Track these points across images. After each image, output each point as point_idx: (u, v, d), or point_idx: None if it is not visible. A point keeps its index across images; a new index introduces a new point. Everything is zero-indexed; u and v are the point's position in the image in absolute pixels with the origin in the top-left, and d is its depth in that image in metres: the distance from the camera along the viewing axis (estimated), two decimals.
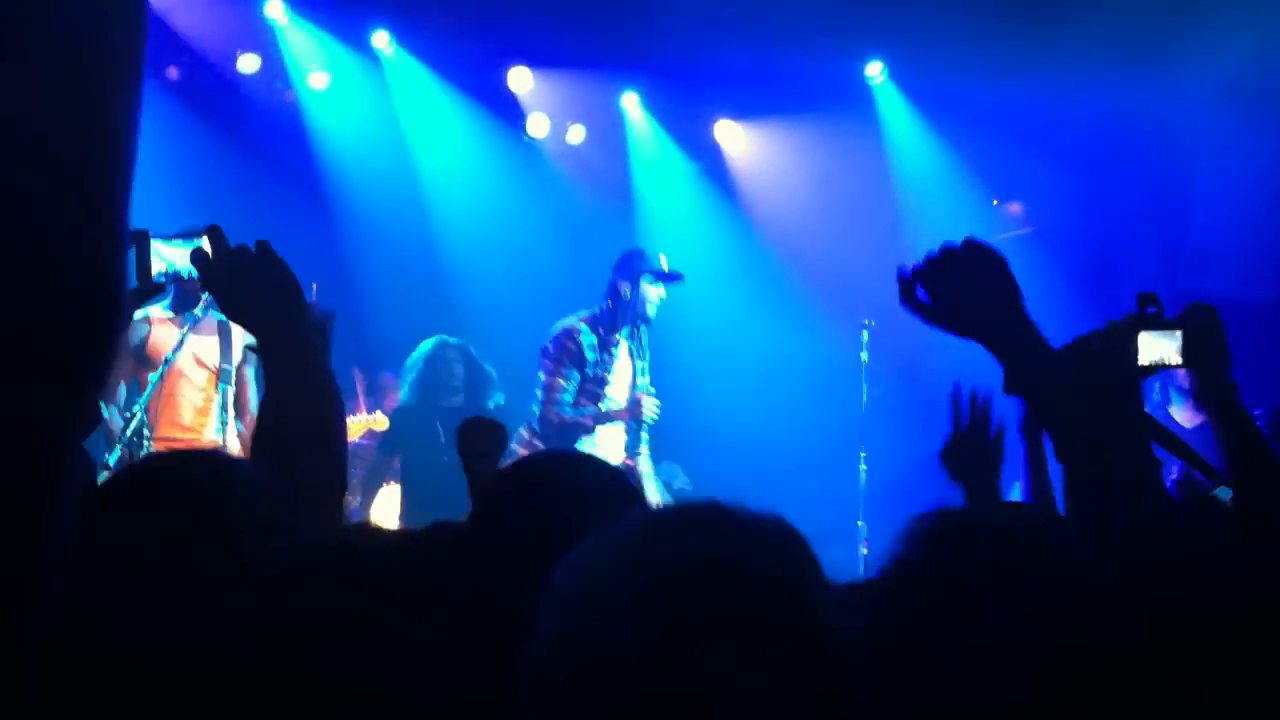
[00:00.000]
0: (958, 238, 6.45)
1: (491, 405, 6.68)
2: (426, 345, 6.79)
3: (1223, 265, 7.11)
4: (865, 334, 7.09)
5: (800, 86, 8.05)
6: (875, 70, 8.38)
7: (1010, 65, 7.33)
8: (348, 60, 8.20)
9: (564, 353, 6.08)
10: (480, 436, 3.14)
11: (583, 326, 6.13)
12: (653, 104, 8.79)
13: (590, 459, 2.46)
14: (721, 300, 8.36)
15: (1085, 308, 6.99)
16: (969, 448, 2.94)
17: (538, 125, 8.58)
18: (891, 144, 8.50)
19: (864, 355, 7.08)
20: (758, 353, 8.25)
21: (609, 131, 8.82)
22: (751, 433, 7.83)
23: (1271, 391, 5.84)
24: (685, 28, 7.89)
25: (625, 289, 6.15)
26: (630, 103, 8.77)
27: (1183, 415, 5.86)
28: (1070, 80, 7.35)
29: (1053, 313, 6.11)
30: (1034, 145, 7.65)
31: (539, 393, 6.13)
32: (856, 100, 8.37)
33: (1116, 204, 7.56)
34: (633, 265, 6.20)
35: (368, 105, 8.31)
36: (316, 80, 8.13)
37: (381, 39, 8.15)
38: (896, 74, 8.37)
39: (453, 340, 6.80)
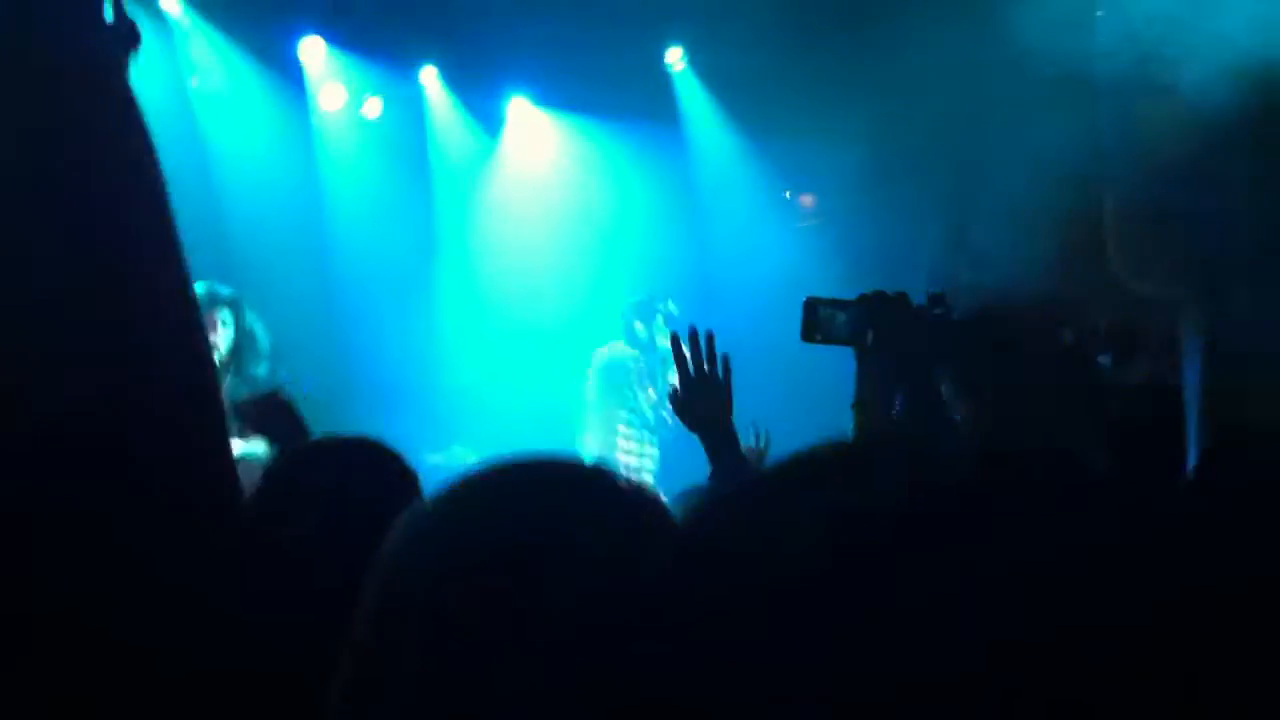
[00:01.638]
0: (752, 227, 6.52)
1: (259, 375, 6.32)
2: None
3: (999, 263, 7.33)
4: (660, 319, 7.14)
5: (600, 68, 8.02)
6: (675, 56, 8.42)
7: (806, 56, 7.46)
8: (141, 18, 7.83)
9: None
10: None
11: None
12: (451, 80, 8.64)
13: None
14: (521, 288, 8.34)
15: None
16: (700, 391, 2.99)
17: (332, 97, 8.35)
18: (689, 131, 8.56)
19: (661, 341, 7.11)
20: (553, 337, 8.21)
21: (407, 106, 8.64)
22: (555, 429, 7.80)
23: None
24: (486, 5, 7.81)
25: (640, 329, 7.21)
26: (429, 77, 8.62)
27: None
28: (865, 69, 7.50)
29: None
30: (826, 136, 7.78)
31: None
32: (656, 85, 8.41)
33: (904, 197, 7.74)
34: (647, 306, 7.19)
35: (155, 69, 7.95)
36: None
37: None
38: (696, 61, 8.43)
39: (224, 291, 6.31)
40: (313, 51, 8.16)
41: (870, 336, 2.89)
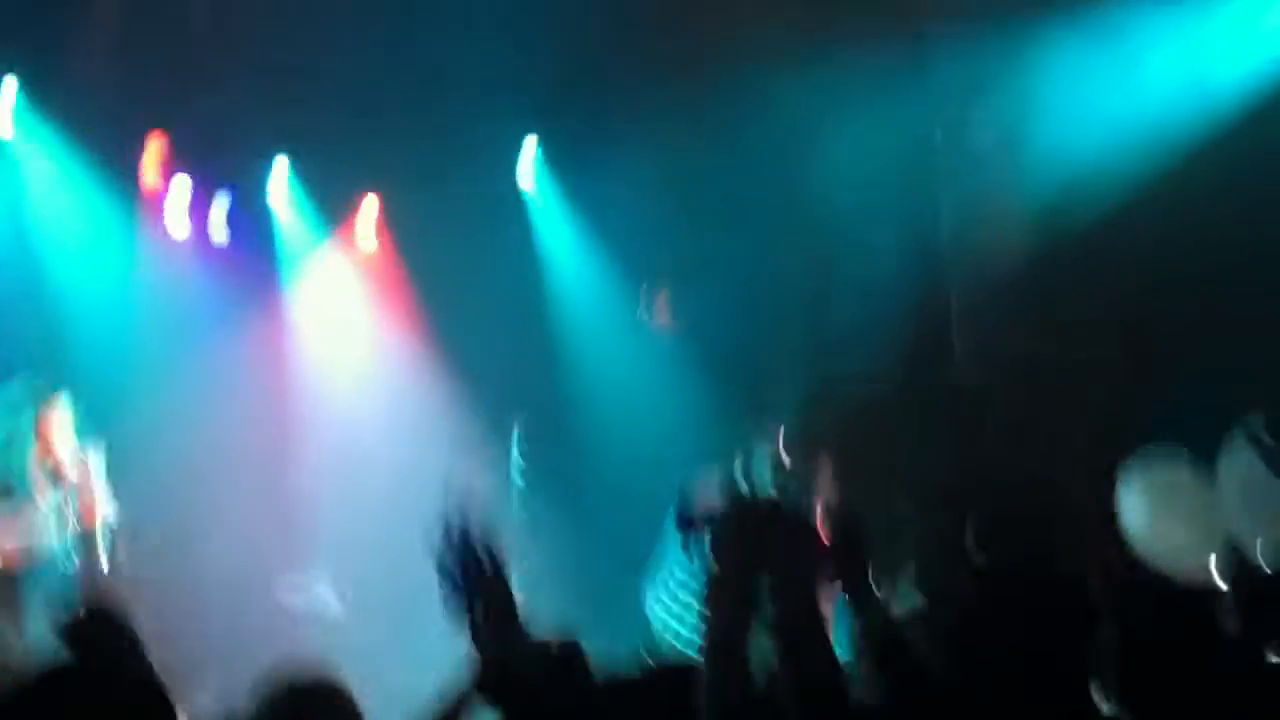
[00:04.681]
0: (608, 331, 6.45)
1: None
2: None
3: (859, 350, 7.42)
4: (516, 431, 7.03)
5: (453, 170, 7.88)
6: (528, 159, 8.33)
7: (657, 161, 7.48)
8: None
9: None
10: None
11: None
12: (304, 174, 8.43)
13: None
14: (366, 394, 8.16)
15: (728, 403, 7.19)
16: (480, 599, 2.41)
17: (179, 221, 8.05)
18: (543, 237, 8.47)
19: (516, 453, 7.01)
20: (405, 449, 8.03)
21: (255, 199, 8.40)
22: (400, 535, 7.61)
23: None
24: (338, 98, 7.69)
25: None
26: (279, 170, 8.39)
27: None
28: (719, 175, 7.55)
29: (697, 408, 6.19)
30: (681, 237, 7.78)
31: None
32: (509, 191, 8.34)
33: (762, 296, 7.76)
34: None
35: None
36: None
37: None
38: (550, 162, 8.40)
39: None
40: (156, 152, 7.91)
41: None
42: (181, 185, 8.07)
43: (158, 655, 6.04)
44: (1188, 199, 6.59)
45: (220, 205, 8.23)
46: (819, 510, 6.36)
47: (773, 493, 6.18)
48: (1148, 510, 5.75)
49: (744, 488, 6.12)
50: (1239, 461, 4.60)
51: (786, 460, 6.35)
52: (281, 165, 8.38)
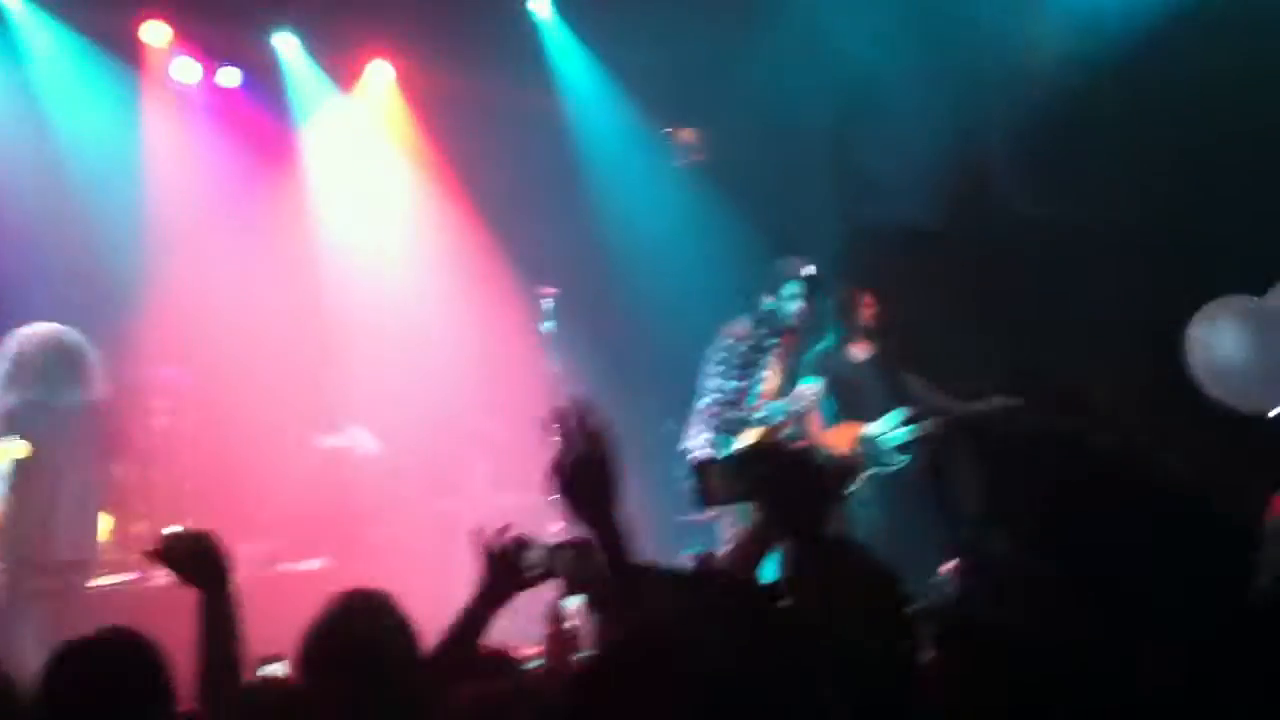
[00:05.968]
0: (633, 172, 6.31)
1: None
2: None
3: (891, 194, 7.21)
4: (548, 303, 6.91)
5: (462, 22, 7.61)
6: (541, 4, 8.10)
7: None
8: None
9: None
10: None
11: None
12: (311, 44, 8.18)
13: None
14: (390, 262, 8.02)
15: (755, 237, 7.06)
16: (580, 471, 2.45)
17: (185, 69, 7.90)
18: (561, 82, 8.19)
19: (548, 325, 6.92)
20: (436, 318, 7.94)
21: (266, 75, 8.17)
22: (436, 399, 7.53)
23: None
24: None
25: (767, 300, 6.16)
26: (285, 43, 8.16)
27: None
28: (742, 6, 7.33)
29: (720, 241, 6.12)
30: (706, 73, 7.54)
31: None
32: (523, 38, 8.05)
33: (791, 132, 7.54)
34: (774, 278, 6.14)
35: None
36: None
37: None
38: (563, 6, 8.11)
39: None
40: (154, 33, 7.72)
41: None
42: (186, 67, 7.89)
43: (207, 505, 6.28)
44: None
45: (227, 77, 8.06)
46: (857, 345, 6.29)
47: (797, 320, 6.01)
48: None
49: (775, 318, 6.01)
50: None
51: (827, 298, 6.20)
52: (285, 39, 8.16)
